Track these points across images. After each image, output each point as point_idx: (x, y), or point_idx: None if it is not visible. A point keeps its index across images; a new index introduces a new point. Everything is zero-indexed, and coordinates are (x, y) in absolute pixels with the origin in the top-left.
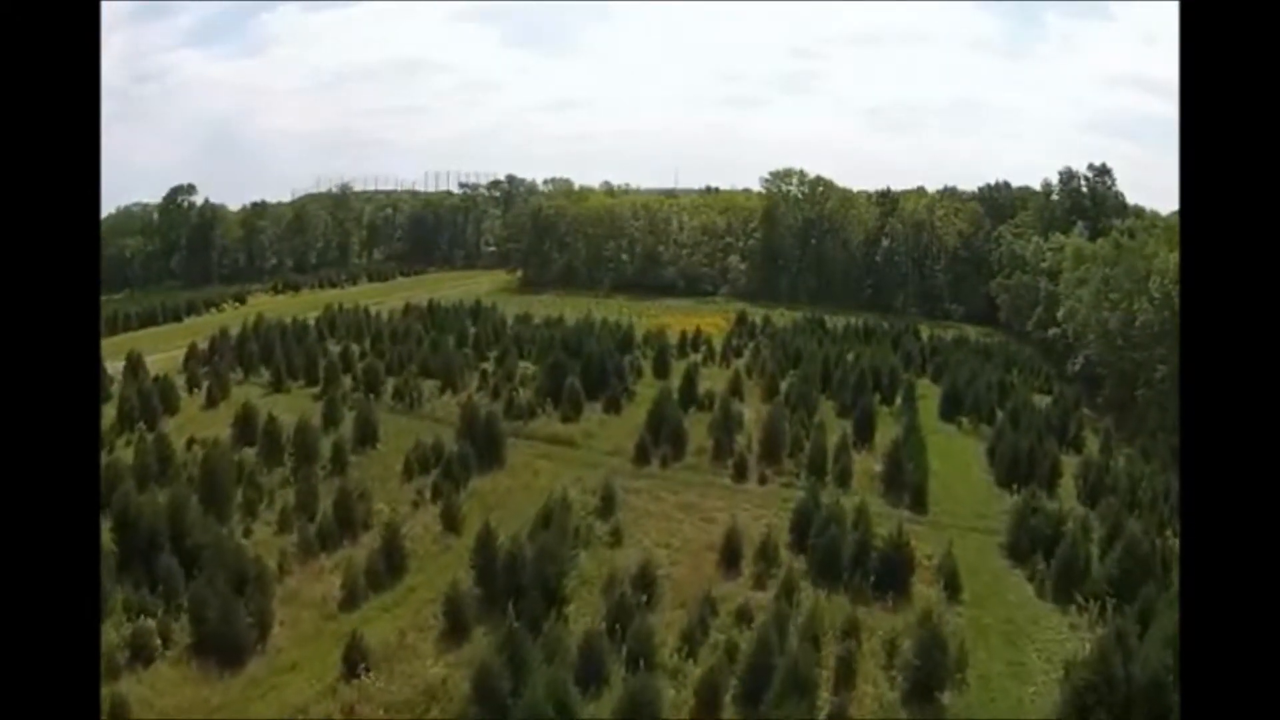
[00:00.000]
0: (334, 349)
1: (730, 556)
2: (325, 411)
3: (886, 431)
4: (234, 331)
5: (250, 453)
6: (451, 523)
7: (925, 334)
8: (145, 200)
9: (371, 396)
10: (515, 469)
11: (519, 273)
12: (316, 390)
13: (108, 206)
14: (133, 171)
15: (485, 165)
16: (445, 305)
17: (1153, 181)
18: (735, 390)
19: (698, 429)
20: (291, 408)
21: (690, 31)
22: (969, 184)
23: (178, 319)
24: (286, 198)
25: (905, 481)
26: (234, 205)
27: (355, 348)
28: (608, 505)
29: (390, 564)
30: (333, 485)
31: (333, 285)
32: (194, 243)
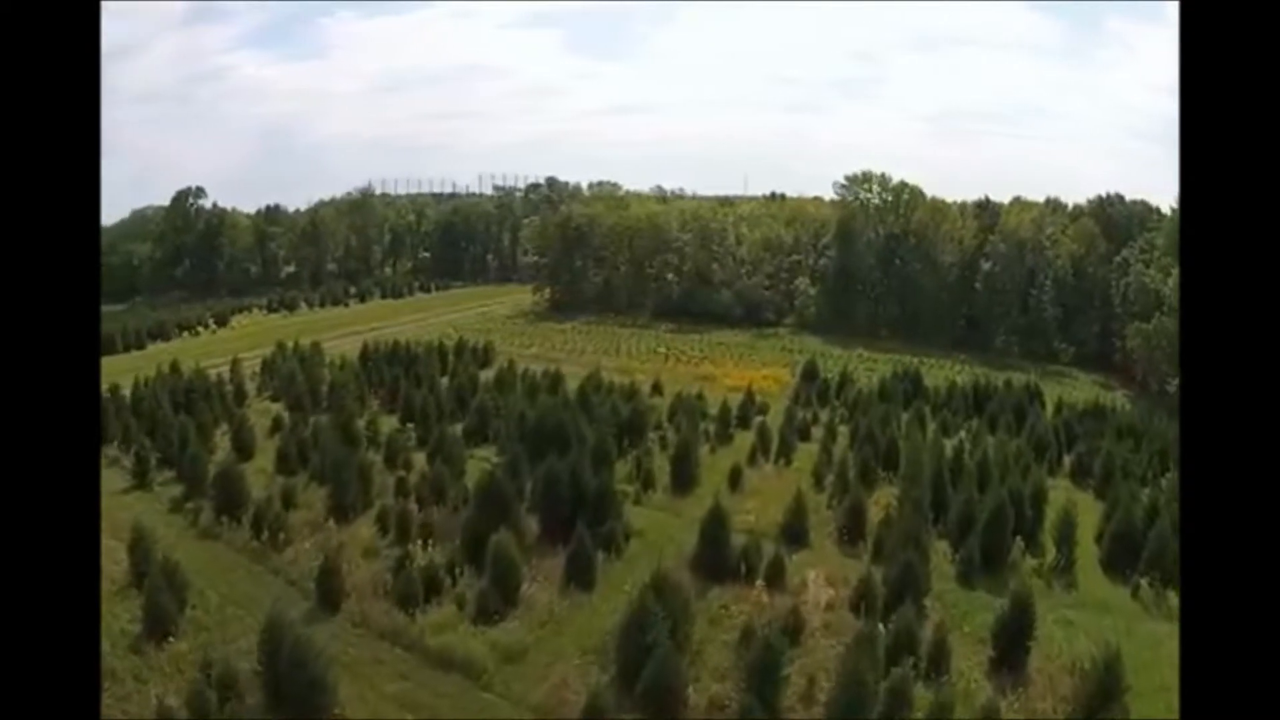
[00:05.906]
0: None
1: None
2: (133, 563)
3: (1045, 633)
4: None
5: None
6: None
7: (1051, 397)
8: (159, 203)
9: (224, 521)
10: None
11: (545, 292)
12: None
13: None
14: (190, 174)
15: (544, 171)
16: (415, 348)
17: None
18: (794, 528)
19: (717, 643)
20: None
21: (751, 34)
22: (1040, 194)
23: (140, 346)
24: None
25: None
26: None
27: (271, 414)
28: None
29: None
30: None
31: (336, 303)
32: (200, 251)
